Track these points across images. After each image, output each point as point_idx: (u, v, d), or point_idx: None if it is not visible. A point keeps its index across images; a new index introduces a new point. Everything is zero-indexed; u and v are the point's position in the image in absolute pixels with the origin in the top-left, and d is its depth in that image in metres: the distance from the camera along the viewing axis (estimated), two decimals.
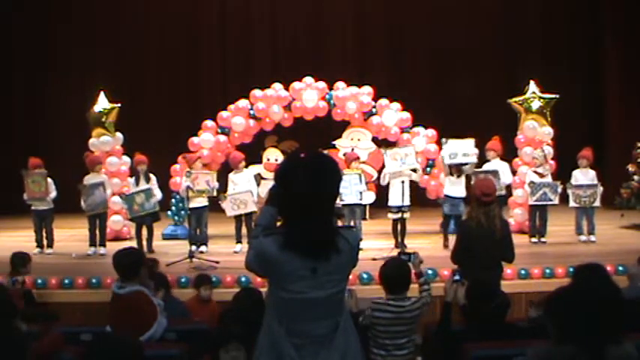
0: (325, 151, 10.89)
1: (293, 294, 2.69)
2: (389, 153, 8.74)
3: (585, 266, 4.02)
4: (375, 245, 8.72)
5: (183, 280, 7.01)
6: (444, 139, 8.97)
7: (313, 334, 2.73)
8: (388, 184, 8.71)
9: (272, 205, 2.84)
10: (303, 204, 2.67)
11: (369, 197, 10.55)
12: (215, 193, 8.69)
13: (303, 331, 2.72)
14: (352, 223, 8.35)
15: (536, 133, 9.47)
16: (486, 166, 9.07)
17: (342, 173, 2.90)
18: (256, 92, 10.06)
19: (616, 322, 2.73)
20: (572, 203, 8.87)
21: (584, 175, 8.90)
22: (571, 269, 7.19)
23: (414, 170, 8.81)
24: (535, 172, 8.99)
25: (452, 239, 8.68)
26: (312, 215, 2.67)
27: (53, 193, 8.84)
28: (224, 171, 9.47)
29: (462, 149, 8.64)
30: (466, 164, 8.70)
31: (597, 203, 8.84)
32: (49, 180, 8.79)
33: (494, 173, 8.84)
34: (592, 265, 4.06)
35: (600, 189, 8.82)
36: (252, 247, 2.81)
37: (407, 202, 8.44)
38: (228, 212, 8.65)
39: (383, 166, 9.02)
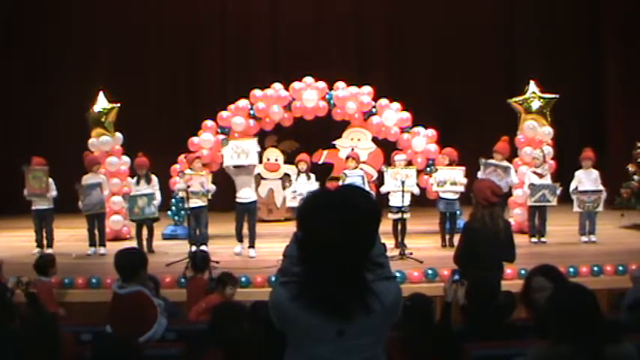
0: (325, 151, 10.99)
1: None
2: (390, 172, 8.60)
3: (539, 268, 4.07)
4: None
5: (182, 280, 6.99)
6: (430, 168, 9.26)
7: None
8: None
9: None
10: (327, 253, 2.15)
11: None
12: (210, 196, 8.68)
13: None
14: None
15: (536, 133, 9.47)
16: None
17: (380, 213, 2.34)
18: (256, 92, 10.06)
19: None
20: (575, 208, 8.87)
21: (587, 176, 8.88)
22: (571, 269, 7.21)
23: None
24: (534, 172, 8.98)
25: (448, 238, 8.76)
26: (338, 266, 2.15)
27: (53, 192, 8.84)
28: (224, 171, 9.45)
29: (451, 178, 8.56)
30: (454, 199, 8.66)
31: (600, 208, 8.84)
32: (50, 180, 8.80)
33: (505, 168, 8.82)
34: (546, 266, 4.11)
35: (604, 195, 8.83)
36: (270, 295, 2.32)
37: (407, 202, 8.44)
38: (226, 161, 8.40)
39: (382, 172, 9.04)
